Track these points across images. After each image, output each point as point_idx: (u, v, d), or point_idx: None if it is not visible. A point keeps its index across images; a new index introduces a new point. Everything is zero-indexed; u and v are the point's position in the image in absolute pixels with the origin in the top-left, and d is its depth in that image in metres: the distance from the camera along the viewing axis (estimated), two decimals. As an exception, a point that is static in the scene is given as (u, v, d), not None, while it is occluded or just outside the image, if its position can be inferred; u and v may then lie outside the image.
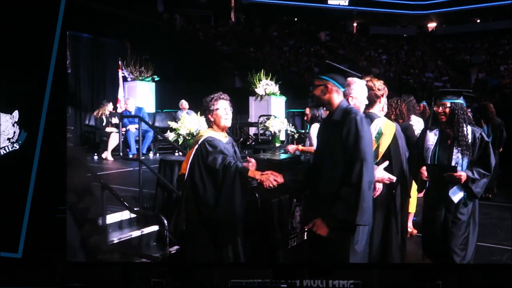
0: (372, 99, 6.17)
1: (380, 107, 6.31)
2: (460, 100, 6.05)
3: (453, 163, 5.94)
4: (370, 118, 6.10)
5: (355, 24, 50.26)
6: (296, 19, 48.28)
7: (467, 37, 42.70)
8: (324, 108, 5.47)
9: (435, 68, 37.61)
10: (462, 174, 5.80)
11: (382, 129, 6.04)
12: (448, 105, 6.02)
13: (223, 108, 5.47)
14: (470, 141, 5.99)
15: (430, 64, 38.65)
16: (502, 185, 11.57)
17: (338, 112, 4.96)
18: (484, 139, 6.03)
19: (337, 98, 5.01)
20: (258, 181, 5.22)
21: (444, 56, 41.14)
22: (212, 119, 5.58)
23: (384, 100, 6.34)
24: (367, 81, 6.26)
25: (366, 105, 5.83)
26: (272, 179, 5.15)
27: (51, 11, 6.13)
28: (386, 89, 6.37)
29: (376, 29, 47.76)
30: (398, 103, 7.19)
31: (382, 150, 6.00)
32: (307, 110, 8.56)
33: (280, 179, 5.17)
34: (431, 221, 6.10)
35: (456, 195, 5.94)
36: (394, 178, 5.67)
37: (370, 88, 6.17)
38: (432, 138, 6.18)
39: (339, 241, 4.82)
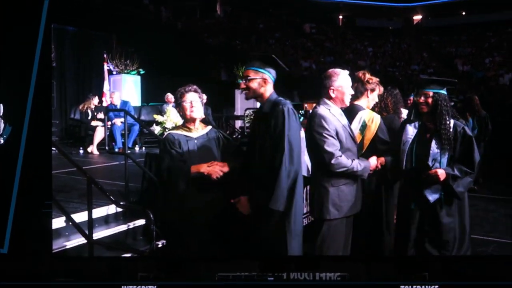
0: (359, 91, 6.20)
1: (367, 102, 6.32)
2: (444, 91, 5.75)
3: (430, 159, 5.67)
4: (355, 110, 6.13)
5: (341, 17, 50.34)
6: (282, 11, 48.26)
7: (452, 29, 42.85)
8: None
9: (420, 61, 37.77)
10: (439, 172, 5.56)
11: (366, 121, 6.07)
12: (431, 94, 5.67)
13: (189, 101, 5.48)
14: (451, 135, 5.66)
15: (416, 57, 38.81)
16: (487, 177, 11.63)
17: (268, 104, 5.14)
18: (467, 133, 5.70)
19: (269, 90, 5.21)
20: (205, 173, 5.26)
21: (430, 48, 41.27)
22: (180, 113, 5.66)
23: (373, 96, 6.35)
24: (358, 73, 6.31)
25: (352, 96, 5.85)
26: (218, 169, 5.27)
27: (35, 4, 6.09)
28: (378, 86, 6.39)
29: (363, 22, 47.86)
30: (383, 96, 7.10)
31: (367, 142, 6.04)
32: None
33: (225, 168, 5.31)
34: (405, 221, 5.97)
35: (433, 195, 5.69)
36: (383, 160, 5.91)
37: (359, 80, 6.21)
38: (411, 131, 5.89)
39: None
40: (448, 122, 5.64)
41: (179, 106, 5.56)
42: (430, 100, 5.68)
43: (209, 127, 5.68)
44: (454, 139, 5.65)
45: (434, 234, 5.78)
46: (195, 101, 5.50)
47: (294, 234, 5.14)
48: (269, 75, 5.22)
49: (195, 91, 5.56)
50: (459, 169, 5.59)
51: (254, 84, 5.14)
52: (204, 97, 5.83)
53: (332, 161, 5.39)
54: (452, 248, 5.87)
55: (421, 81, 6.13)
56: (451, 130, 5.65)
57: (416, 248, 5.89)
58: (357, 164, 5.51)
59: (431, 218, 5.76)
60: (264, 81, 5.17)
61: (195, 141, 5.52)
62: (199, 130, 5.60)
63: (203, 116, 5.67)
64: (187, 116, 5.56)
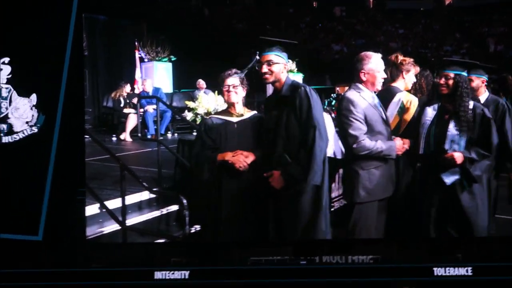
0: (395, 74, 6.22)
1: (404, 83, 6.32)
2: (465, 73, 5.71)
3: (448, 141, 5.63)
4: (392, 92, 6.15)
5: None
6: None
7: (484, 9, 42.24)
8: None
9: (453, 42, 37.32)
10: (455, 155, 5.53)
11: (404, 103, 6.08)
12: (452, 76, 5.64)
13: (228, 85, 5.55)
14: (471, 117, 5.60)
15: (448, 38, 38.36)
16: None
17: (286, 87, 5.38)
18: (486, 116, 5.64)
19: (285, 75, 5.41)
20: (229, 162, 5.35)
21: (462, 29, 40.78)
22: (222, 97, 5.79)
23: (409, 77, 6.34)
24: (391, 56, 6.30)
25: (389, 79, 5.89)
26: (242, 159, 5.36)
27: (66, -6, 6.14)
28: (414, 66, 6.37)
29: (393, 4, 47.31)
30: (417, 78, 7.10)
31: (404, 124, 6.06)
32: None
33: (251, 156, 5.41)
34: (426, 204, 5.95)
35: (450, 177, 5.65)
36: (408, 142, 5.88)
37: (392, 64, 6.21)
38: (430, 112, 5.86)
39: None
40: (467, 104, 5.58)
41: (221, 91, 5.66)
42: (450, 81, 5.64)
43: (253, 112, 5.70)
44: (473, 121, 5.58)
45: (454, 216, 5.75)
46: (233, 86, 5.54)
47: (325, 207, 5.37)
48: (287, 60, 5.41)
49: (234, 75, 5.61)
50: (476, 152, 5.54)
51: (276, 68, 5.30)
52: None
53: (355, 145, 5.53)
54: (473, 230, 5.79)
55: (442, 62, 5.93)
56: (470, 112, 5.58)
57: (438, 231, 5.86)
58: (381, 145, 5.58)
59: (450, 201, 5.71)
60: (284, 65, 5.35)
61: (235, 125, 5.59)
62: (239, 115, 5.61)
63: (240, 102, 5.67)
64: (226, 101, 5.66)
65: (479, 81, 6.40)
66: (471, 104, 5.64)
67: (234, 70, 5.64)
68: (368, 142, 5.56)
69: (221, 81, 5.63)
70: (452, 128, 5.63)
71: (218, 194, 5.48)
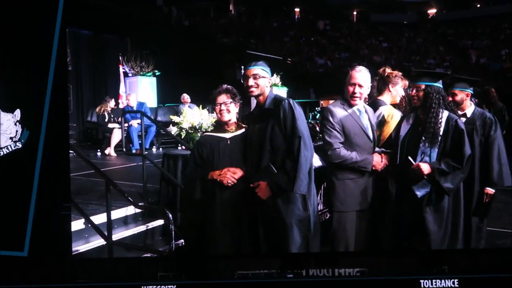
0: (381, 87, 6.26)
1: (390, 96, 6.35)
2: (438, 84, 5.62)
3: (419, 153, 5.60)
4: (377, 105, 6.18)
5: (355, 13, 50.17)
6: (296, 9, 48.17)
7: (468, 22, 42.55)
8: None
9: (436, 55, 37.54)
10: (422, 166, 5.48)
11: (385, 117, 6.10)
12: (422, 87, 5.59)
13: (219, 103, 5.56)
14: (442, 128, 5.53)
15: (432, 51, 38.59)
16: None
17: (270, 100, 5.42)
18: (459, 127, 5.54)
19: (269, 88, 5.48)
20: (218, 180, 5.39)
21: (445, 42, 41.04)
22: (216, 115, 5.76)
23: (396, 90, 6.37)
24: (380, 69, 6.34)
25: (376, 92, 5.95)
26: (229, 175, 5.37)
27: (50, 8, 6.12)
28: (401, 79, 6.39)
29: (377, 17, 47.64)
30: (406, 91, 7.09)
31: (384, 137, 6.07)
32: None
33: (239, 172, 5.42)
34: (399, 217, 5.90)
35: (421, 190, 5.58)
36: (385, 163, 5.85)
37: (380, 77, 6.25)
38: (406, 125, 5.82)
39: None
40: (437, 115, 5.53)
41: (207, 106, 5.71)
42: (421, 93, 5.61)
43: (245, 127, 5.71)
44: (445, 132, 5.53)
45: (420, 230, 5.70)
46: (225, 104, 5.55)
47: (312, 217, 5.43)
48: (270, 74, 5.50)
49: (226, 91, 5.62)
50: (447, 164, 5.47)
51: (261, 82, 5.38)
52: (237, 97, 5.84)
53: (329, 152, 5.68)
54: (440, 244, 5.74)
55: (413, 74, 5.92)
56: (442, 123, 5.53)
57: (408, 244, 5.86)
58: (356, 156, 5.67)
59: (418, 214, 5.66)
60: (269, 80, 5.44)
61: (228, 141, 5.59)
62: (233, 131, 5.63)
63: (233, 119, 5.68)
64: (219, 119, 5.67)
65: (463, 95, 6.41)
66: (445, 114, 5.59)
67: (225, 87, 5.65)
68: (343, 152, 5.66)
69: (213, 99, 5.64)
70: (423, 141, 5.60)
71: (211, 206, 5.48)
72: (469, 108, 6.40)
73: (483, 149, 6.23)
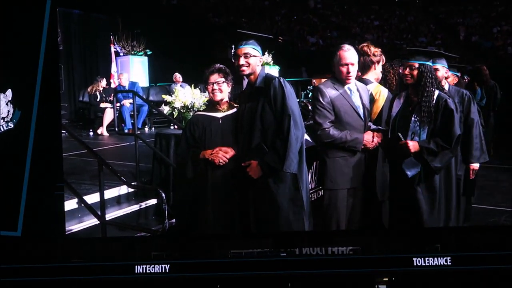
0: (367, 65, 6.22)
1: (375, 74, 6.32)
2: (430, 63, 5.62)
3: (409, 132, 5.57)
4: (364, 84, 6.13)
5: (346, -9, 49.95)
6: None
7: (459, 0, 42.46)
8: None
9: (428, 33, 37.49)
10: (410, 143, 5.46)
11: (374, 94, 6.09)
12: (416, 66, 5.54)
13: (212, 82, 5.54)
14: (433, 108, 5.51)
15: (423, 29, 38.52)
16: (499, 147, 11.57)
17: (261, 79, 5.43)
18: (448, 106, 5.48)
19: (260, 67, 5.52)
20: (210, 160, 5.40)
21: (436, 20, 40.95)
22: (208, 95, 5.74)
23: (379, 67, 6.35)
24: (362, 46, 6.30)
25: (361, 70, 5.91)
26: (221, 155, 5.39)
27: (40, -12, 6.09)
28: (382, 56, 6.37)
29: (368, -5, 47.47)
30: (394, 68, 7.05)
31: (374, 115, 6.07)
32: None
33: (231, 152, 5.43)
34: (391, 195, 5.94)
35: (411, 169, 5.56)
36: (376, 142, 5.84)
37: (365, 54, 6.21)
38: (398, 104, 5.80)
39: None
40: (431, 94, 5.51)
41: (200, 86, 5.70)
42: (415, 72, 5.56)
43: (237, 107, 5.70)
44: (435, 112, 5.50)
45: (413, 209, 5.66)
46: (217, 83, 5.54)
47: (304, 196, 5.44)
48: (261, 53, 5.51)
49: (218, 71, 5.60)
50: (436, 143, 5.44)
51: (252, 61, 5.38)
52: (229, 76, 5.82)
53: (318, 132, 5.69)
54: (433, 223, 5.69)
55: (407, 52, 5.85)
56: (433, 102, 5.51)
57: (401, 223, 5.85)
58: (346, 136, 5.66)
59: (410, 194, 5.64)
60: (260, 59, 5.45)
61: (220, 121, 5.59)
62: (225, 110, 5.63)
63: (225, 98, 5.67)
64: (211, 99, 5.66)
65: (444, 71, 6.37)
66: (435, 94, 5.56)
67: (217, 66, 5.64)
68: (332, 131, 5.66)
69: (205, 79, 5.61)
70: (413, 120, 5.60)
71: (204, 186, 5.49)
72: (445, 86, 6.35)
73: (463, 126, 6.19)
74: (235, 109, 5.64)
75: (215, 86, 5.51)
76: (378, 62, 6.32)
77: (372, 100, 6.10)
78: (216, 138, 5.51)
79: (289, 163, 5.12)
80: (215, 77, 5.53)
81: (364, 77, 6.23)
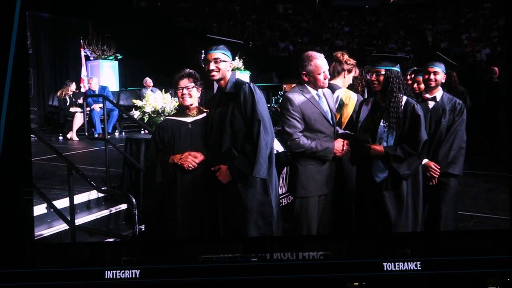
0: (337, 71, 6.28)
1: (343, 82, 6.38)
2: (397, 68, 5.58)
3: (377, 138, 5.58)
4: (332, 89, 6.18)
5: (317, -3, 50.20)
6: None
7: (429, 6, 42.85)
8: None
9: (398, 39, 37.77)
10: (374, 148, 5.53)
11: (343, 99, 6.13)
12: (382, 72, 5.55)
13: (181, 87, 5.58)
14: (401, 113, 5.51)
15: (393, 35, 38.80)
16: (467, 152, 11.66)
17: (231, 84, 5.45)
18: (416, 112, 5.51)
19: (230, 72, 5.53)
20: (179, 164, 5.43)
21: (406, 26, 41.28)
22: (178, 100, 5.79)
23: (349, 77, 6.40)
24: (337, 53, 6.35)
25: (330, 76, 5.95)
26: (190, 159, 5.42)
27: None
28: (355, 68, 6.43)
29: (338, 1, 47.73)
30: (362, 75, 7.09)
31: (345, 120, 6.11)
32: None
33: (200, 156, 5.48)
34: (360, 200, 5.92)
35: (379, 175, 5.59)
36: (346, 149, 5.86)
37: (337, 60, 6.26)
38: (365, 109, 5.82)
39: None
40: (399, 100, 5.52)
41: (173, 91, 5.72)
42: (381, 77, 5.57)
43: (207, 112, 5.71)
44: (403, 118, 5.51)
45: (381, 214, 5.68)
46: (187, 88, 5.56)
47: (274, 201, 5.46)
48: (231, 58, 5.52)
49: (188, 76, 5.62)
50: (402, 149, 5.48)
51: (222, 66, 5.39)
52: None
53: (288, 142, 5.71)
54: (401, 228, 5.71)
55: (373, 58, 5.83)
56: (401, 108, 5.52)
57: (370, 228, 5.86)
58: (316, 145, 5.69)
59: (378, 199, 5.66)
60: (230, 64, 5.46)
61: (189, 126, 5.61)
62: (195, 115, 5.63)
63: (195, 103, 5.68)
64: (181, 104, 5.68)
65: (443, 75, 6.32)
66: (404, 99, 5.57)
67: (187, 71, 5.64)
68: (302, 140, 5.68)
69: (175, 84, 5.63)
70: (381, 125, 5.59)
71: (173, 190, 5.49)
72: (439, 92, 6.35)
73: (445, 132, 6.19)
74: (204, 114, 5.66)
75: (185, 91, 5.53)
76: (349, 71, 6.40)
77: (342, 105, 6.15)
78: (186, 143, 5.52)
79: (259, 168, 5.15)
80: (184, 82, 5.54)
81: (332, 82, 6.27)
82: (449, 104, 6.23)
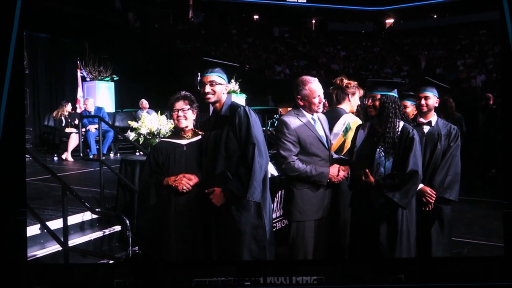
0: (341, 97, 6.34)
1: (349, 106, 6.42)
2: (393, 93, 5.57)
3: (374, 163, 5.52)
4: (339, 113, 6.23)
5: (313, 21, 50.47)
6: (255, 16, 48.41)
7: (424, 32, 43.14)
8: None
9: (393, 64, 37.95)
10: (367, 180, 5.47)
11: (351, 125, 6.15)
12: (378, 97, 5.51)
13: (177, 109, 5.58)
14: (397, 139, 5.45)
15: (389, 60, 38.99)
16: (462, 178, 11.65)
17: (226, 107, 5.42)
18: (410, 136, 5.43)
19: (225, 95, 5.53)
20: (173, 186, 5.41)
21: (402, 51, 41.50)
22: (173, 122, 5.78)
23: (354, 100, 6.44)
24: (336, 80, 6.39)
25: (335, 101, 6.00)
26: (185, 181, 5.40)
27: (7, 11, 6.05)
28: (358, 89, 6.46)
29: (335, 26, 48.03)
30: (361, 101, 7.09)
31: (348, 144, 6.10)
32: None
33: (195, 179, 5.45)
34: (354, 225, 5.88)
35: (377, 200, 5.51)
36: (347, 168, 5.88)
37: (338, 87, 6.30)
38: (362, 135, 5.78)
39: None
40: (395, 125, 5.48)
41: (169, 114, 5.72)
42: (377, 102, 5.54)
43: (202, 134, 5.71)
44: (399, 143, 5.45)
45: (375, 240, 5.64)
46: (182, 110, 5.57)
47: (267, 225, 5.42)
48: (227, 81, 5.55)
49: (184, 98, 5.63)
50: (394, 178, 5.40)
51: (218, 89, 5.40)
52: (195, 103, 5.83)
53: (283, 166, 5.72)
54: (395, 254, 5.65)
55: (369, 84, 5.79)
56: (398, 133, 5.48)
57: (364, 253, 5.82)
58: (312, 170, 5.70)
59: (372, 225, 5.61)
60: (225, 86, 5.48)
61: (184, 148, 5.59)
62: (190, 137, 5.65)
63: (190, 125, 5.69)
64: (176, 126, 5.68)
65: (435, 100, 6.36)
66: (400, 124, 5.54)
67: (183, 93, 5.65)
68: (297, 164, 5.68)
69: (170, 106, 5.63)
70: (378, 151, 5.57)
71: (167, 212, 5.47)
72: (433, 116, 6.36)
73: (441, 157, 6.20)
74: (199, 136, 5.65)
75: (180, 113, 5.53)
76: (353, 94, 6.43)
77: (348, 129, 6.19)
78: (180, 165, 5.51)
79: (253, 191, 5.11)
80: (180, 104, 5.54)
81: (339, 106, 6.34)
82: (445, 129, 6.24)
